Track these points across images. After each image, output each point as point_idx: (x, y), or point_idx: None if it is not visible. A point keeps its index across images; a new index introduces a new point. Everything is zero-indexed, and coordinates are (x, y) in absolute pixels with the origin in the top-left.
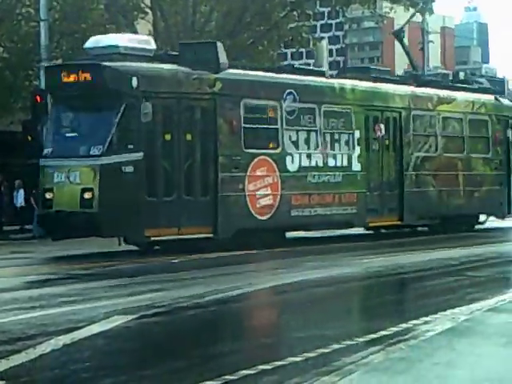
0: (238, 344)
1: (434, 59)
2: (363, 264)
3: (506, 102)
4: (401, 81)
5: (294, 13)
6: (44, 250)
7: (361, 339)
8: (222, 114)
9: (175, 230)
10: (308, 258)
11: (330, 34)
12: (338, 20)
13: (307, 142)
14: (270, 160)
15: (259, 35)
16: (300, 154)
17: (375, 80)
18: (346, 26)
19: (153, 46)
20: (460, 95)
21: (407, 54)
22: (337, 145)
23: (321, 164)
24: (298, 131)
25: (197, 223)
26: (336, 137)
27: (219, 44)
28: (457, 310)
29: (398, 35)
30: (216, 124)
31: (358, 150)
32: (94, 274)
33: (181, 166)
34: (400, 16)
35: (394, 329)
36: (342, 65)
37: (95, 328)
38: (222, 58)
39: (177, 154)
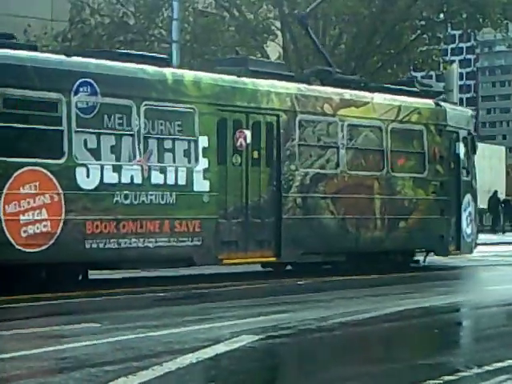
0: (362, 369)
1: None
2: (489, 291)
3: (452, 109)
4: (295, 78)
5: (425, 36)
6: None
7: (488, 367)
8: None
9: None
10: (436, 283)
11: (461, 57)
12: (469, 43)
13: (116, 150)
14: (47, 173)
15: (388, 58)
16: (102, 166)
17: (253, 75)
18: (478, 50)
19: None
20: (378, 98)
21: (315, 45)
22: (168, 155)
23: (138, 180)
24: (99, 135)
25: None
26: (167, 145)
27: None
28: None
29: (302, 21)
30: None
31: (203, 163)
32: (219, 294)
33: None
34: None
35: None
36: (473, 89)
37: (221, 347)
38: None
39: None
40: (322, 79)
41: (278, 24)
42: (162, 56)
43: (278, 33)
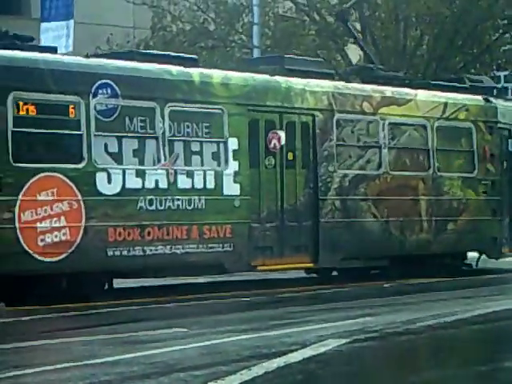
0: (449, 371)
1: None
2: None
3: (504, 105)
4: (334, 76)
5: (507, 35)
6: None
7: None
8: None
9: None
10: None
11: None
12: None
13: (139, 154)
14: (65, 179)
15: (471, 58)
16: (124, 170)
17: (290, 73)
18: None
19: None
20: (421, 95)
21: (357, 41)
22: (195, 158)
23: (164, 185)
24: (120, 139)
25: None
26: (194, 148)
27: None
28: None
29: (341, 17)
30: None
31: (234, 165)
32: (304, 298)
33: None
34: None
35: None
36: None
37: (308, 351)
38: None
39: None
40: (362, 77)
41: (359, 26)
42: (190, 56)
43: (359, 35)
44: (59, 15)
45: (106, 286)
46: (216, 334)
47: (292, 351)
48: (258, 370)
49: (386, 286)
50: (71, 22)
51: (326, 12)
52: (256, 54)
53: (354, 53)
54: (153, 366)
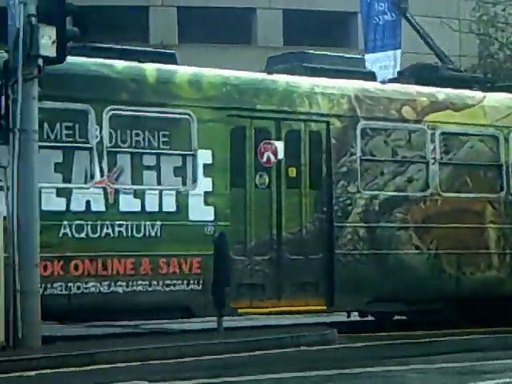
0: None
1: None
2: None
3: None
4: (369, 74)
5: None
6: None
7: None
8: None
9: None
10: None
11: None
12: None
13: (64, 168)
14: None
15: None
16: (39, 189)
17: (312, 73)
18: None
19: None
20: (491, 99)
21: (420, 36)
22: (149, 174)
23: (99, 207)
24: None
25: None
26: (147, 161)
27: None
28: None
29: (402, 10)
30: None
31: (205, 184)
32: None
33: None
34: None
35: None
36: None
37: None
38: None
39: None
40: (419, 78)
41: None
42: (168, 51)
43: None
44: (386, 45)
45: None
46: None
47: None
48: None
49: None
50: (398, 51)
51: None
52: None
53: None
54: None
